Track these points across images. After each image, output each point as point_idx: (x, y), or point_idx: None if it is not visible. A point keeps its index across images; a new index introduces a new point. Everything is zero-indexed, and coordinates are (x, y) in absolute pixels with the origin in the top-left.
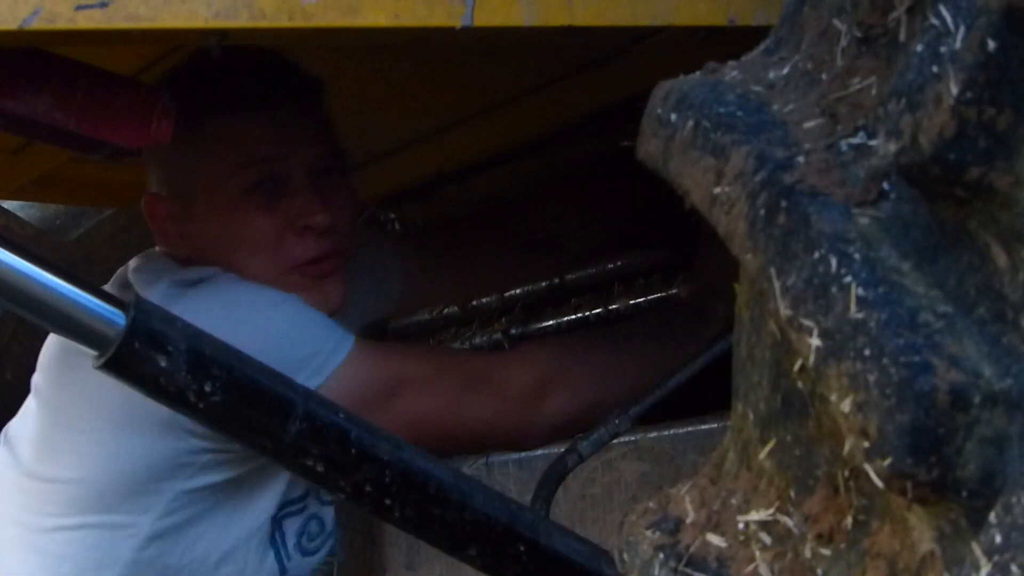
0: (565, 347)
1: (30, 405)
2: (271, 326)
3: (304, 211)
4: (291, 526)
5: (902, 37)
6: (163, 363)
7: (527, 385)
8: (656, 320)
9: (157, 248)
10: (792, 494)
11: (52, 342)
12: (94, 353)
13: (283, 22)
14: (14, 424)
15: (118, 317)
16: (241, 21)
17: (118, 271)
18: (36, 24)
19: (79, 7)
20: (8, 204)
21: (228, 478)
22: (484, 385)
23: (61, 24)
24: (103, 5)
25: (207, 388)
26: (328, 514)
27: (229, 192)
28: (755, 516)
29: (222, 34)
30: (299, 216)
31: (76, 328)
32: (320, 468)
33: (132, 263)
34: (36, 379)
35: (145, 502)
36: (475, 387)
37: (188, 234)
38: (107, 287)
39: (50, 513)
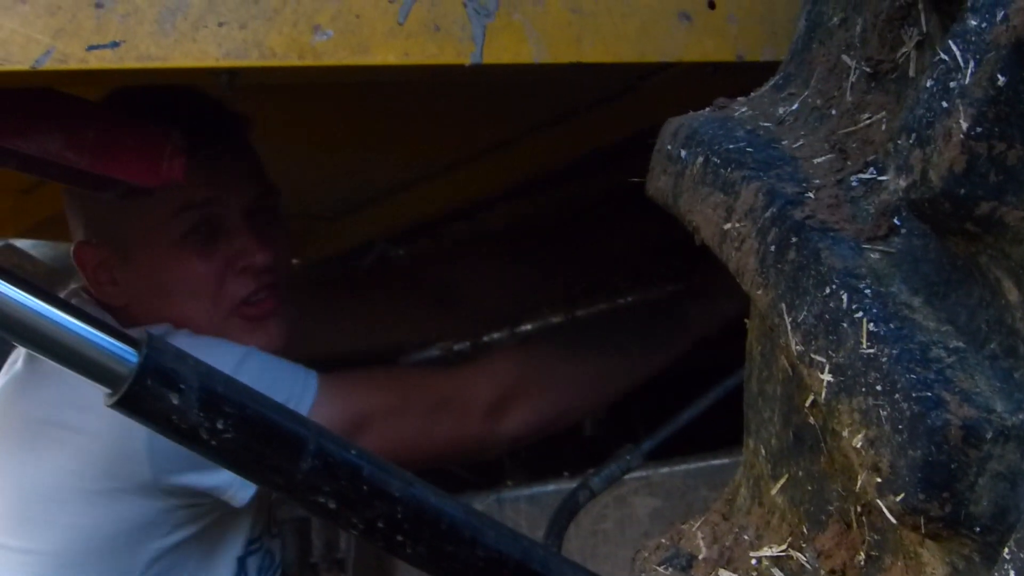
0: (526, 357)
1: None
2: (246, 376)
3: (243, 252)
4: (252, 564)
5: (911, 72)
6: (175, 400)
7: (489, 401)
8: (626, 324)
9: (85, 295)
10: (804, 530)
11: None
12: (107, 391)
13: (293, 61)
14: None
15: (130, 355)
16: (251, 60)
17: None
18: (48, 64)
19: (91, 47)
20: (20, 243)
21: (200, 528)
22: (447, 406)
23: (73, 64)
24: (114, 45)
25: (219, 425)
26: (276, 546)
27: (165, 238)
28: (768, 552)
29: (232, 73)
30: (238, 257)
31: (88, 366)
32: (332, 505)
33: None
34: None
35: (124, 564)
36: (439, 410)
37: (122, 281)
38: None
39: None
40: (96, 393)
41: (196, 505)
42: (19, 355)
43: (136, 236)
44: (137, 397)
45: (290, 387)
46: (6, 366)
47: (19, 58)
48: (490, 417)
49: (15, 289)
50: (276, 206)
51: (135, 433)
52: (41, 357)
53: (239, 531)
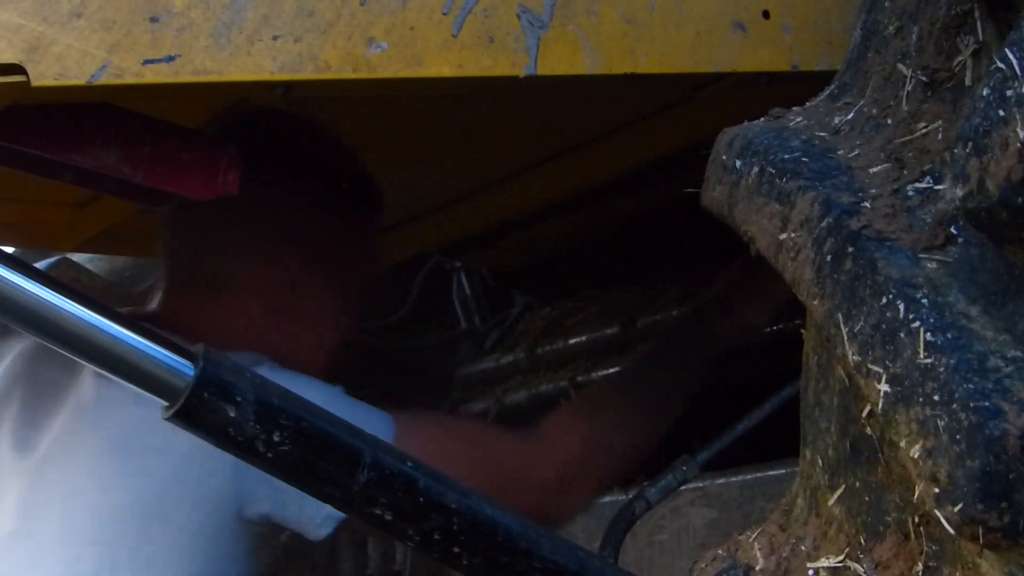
0: (588, 433)
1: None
2: None
3: None
4: None
5: (968, 81)
6: (232, 413)
7: (551, 481)
8: (664, 359)
9: None
10: (862, 540)
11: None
12: (164, 404)
13: (348, 74)
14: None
15: (187, 368)
16: (306, 73)
17: None
18: (104, 79)
19: (146, 62)
20: (77, 257)
21: (273, 556)
22: (512, 477)
23: (129, 79)
24: (170, 59)
25: (275, 438)
26: None
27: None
28: (825, 563)
29: (287, 86)
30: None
31: (145, 379)
32: (388, 517)
33: None
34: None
35: None
36: (503, 479)
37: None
38: None
39: None
40: None
41: (273, 534)
42: (81, 381)
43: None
44: (194, 410)
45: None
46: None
47: (75, 73)
48: (551, 493)
49: (73, 303)
50: None
51: (221, 456)
52: (113, 379)
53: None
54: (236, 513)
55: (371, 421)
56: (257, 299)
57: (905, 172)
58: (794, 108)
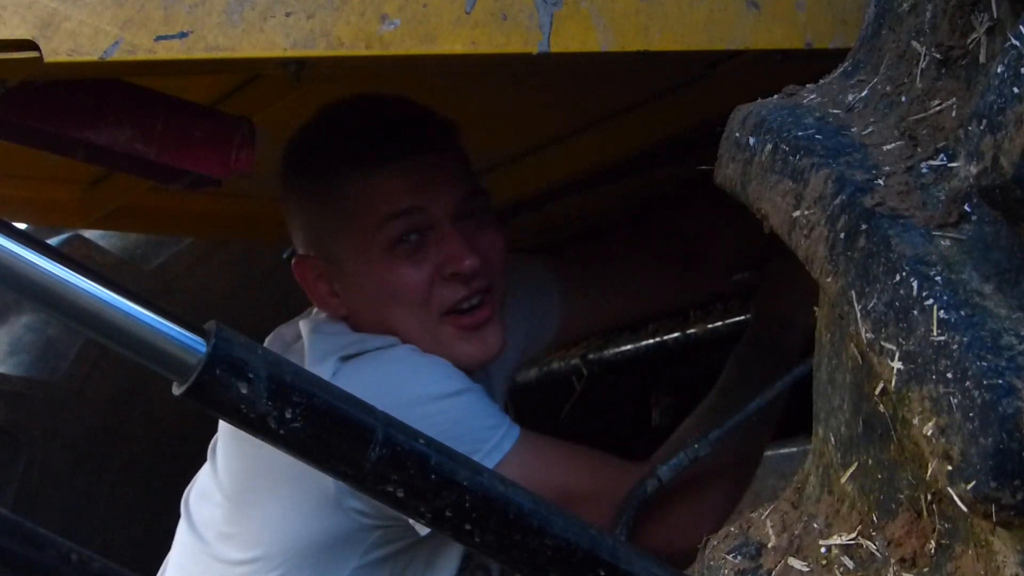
0: (703, 494)
1: (206, 482)
2: (439, 416)
3: (450, 258)
4: None
5: (982, 58)
6: (244, 390)
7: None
8: (755, 386)
9: (315, 309)
10: (874, 518)
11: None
12: (175, 380)
13: (360, 50)
14: (194, 496)
15: (199, 344)
16: (319, 50)
17: (277, 330)
18: (116, 55)
19: (159, 38)
20: (89, 234)
21: (402, 547)
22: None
23: (141, 55)
24: (182, 36)
25: (288, 415)
26: (493, 564)
27: (374, 248)
28: (837, 540)
29: (300, 63)
30: (446, 264)
31: (157, 356)
32: (400, 494)
33: (303, 324)
34: (213, 452)
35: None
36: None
37: (341, 293)
38: (267, 343)
39: None
40: None
41: (390, 527)
42: None
43: (347, 247)
44: (206, 387)
45: (486, 439)
46: None
47: (88, 49)
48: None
49: (85, 279)
50: (485, 206)
51: None
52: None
53: (452, 552)
54: (338, 503)
55: (491, 426)
56: None
57: (919, 150)
58: (808, 85)
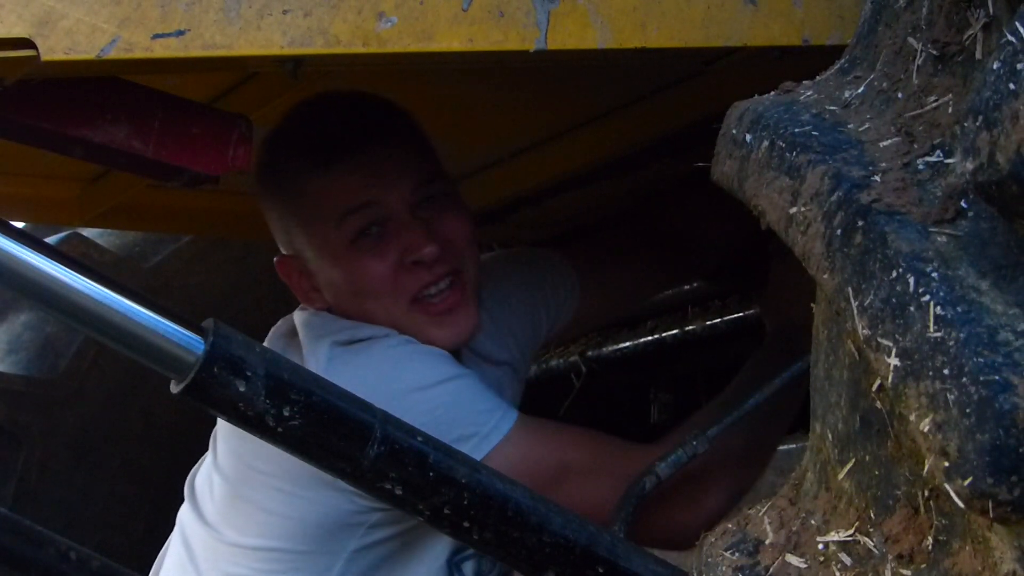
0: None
1: (209, 466)
2: (434, 402)
3: (410, 247)
4: (469, 568)
5: (978, 54)
6: (242, 388)
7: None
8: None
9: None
10: (872, 514)
11: None
12: (173, 378)
13: (357, 48)
14: (199, 479)
15: (197, 343)
16: (316, 48)
17: (279, 322)
18: (114, 53)
19: (156, 36)
20: (87, 232)
21: (399, 531)
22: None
23: (138, 53)
24: (180, 34)
25: (285, 412)
26: None
27: (338, 244)
28: (835, 537)
29: (297, 61)
30: (406, 252)
31: (155, 354)
32: (399, 491)
33: (296, 315)
34: (215, 437)
35: (323, 562)
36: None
37: (318, 288)
38: (268, 341)
39: (237, 573)
40: None
41: (390, 509)
42: None
43: (313, 245)
44: (204, 385)
45: (482, 423)
46: None
47: (85, 47)
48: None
49: (83, 278)
50: (446, 193)
51: None
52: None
53: (443, 538)
54: (333, 482)
55: (487, 410)
56: None
57: (915, 146)
58: (804, 82)
